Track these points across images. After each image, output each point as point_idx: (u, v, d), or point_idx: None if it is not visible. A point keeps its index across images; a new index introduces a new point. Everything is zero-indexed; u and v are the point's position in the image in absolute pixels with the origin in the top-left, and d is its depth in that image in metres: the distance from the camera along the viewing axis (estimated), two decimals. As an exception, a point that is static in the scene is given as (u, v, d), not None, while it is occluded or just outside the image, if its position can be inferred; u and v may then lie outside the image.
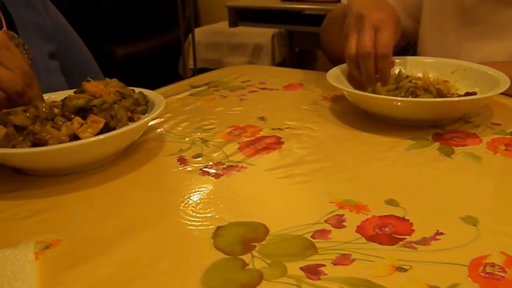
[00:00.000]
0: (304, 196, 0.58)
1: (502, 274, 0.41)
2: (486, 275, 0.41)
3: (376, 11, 0.80)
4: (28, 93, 0.67)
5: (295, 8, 2.60)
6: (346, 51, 0.80)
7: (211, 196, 0.57)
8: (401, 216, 0.51)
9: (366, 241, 0.47)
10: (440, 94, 0.75)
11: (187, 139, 0.74)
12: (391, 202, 0.53)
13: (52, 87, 0.70)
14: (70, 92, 0.71)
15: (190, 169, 0.64)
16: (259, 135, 0.74)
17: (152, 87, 0.80)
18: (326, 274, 0.42)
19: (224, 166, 0.64)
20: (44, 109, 0.64)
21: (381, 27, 0.78)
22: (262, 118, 0.80)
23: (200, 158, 0.67)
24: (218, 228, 0.50)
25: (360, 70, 0.81)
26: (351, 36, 0.80)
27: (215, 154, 0.68)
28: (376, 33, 0.78)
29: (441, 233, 0.47)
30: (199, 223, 0.51)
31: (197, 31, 3.34)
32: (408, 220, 0.50)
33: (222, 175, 0.62)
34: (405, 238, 0.47)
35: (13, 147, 0.61)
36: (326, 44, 1.09)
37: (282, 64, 3.24)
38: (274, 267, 0.44)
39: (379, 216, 0.51)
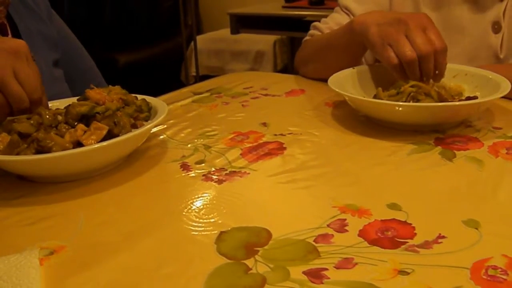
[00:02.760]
0: (307, 201, 0.58)
1: (504, 277, 0.42)
2: (488, 278, 0.41)
3: (410, 14, 0.79)
4: (33, 110, 0.67)
5: (297, 14, 2.61)
6: (404, 56, 0.76)
7: (214, 202, 0.57)
8: (403, 220, 0.51)
9: (369, 245, 0.47)
10: (441, 98, 0.75)
11: (189, 145, 0.74)
12: (393, 206, 0.54)
13: (56, 95, 0.71)
14: (74, 99, 0.72)
15: (193, 175, 0.64)
16: (261, 141, 0.74)
17: (155, 95, 0.81)
18: (329, 278, 0.43)
19: (227, 172, 0.65)
20: (47, 116, 0.65)
21: (427, 25, 0.77)
22: (264, 124, 0.81)
23: (203, 164, 0.67)
24: (221, 233, 0.50)
25: (412, 73, 0.78)
26: (402, 41, 0.76)
27: (218, 160, 0.68)
28: (425, 32, 0.77)
29: (443, 237, 0.48)
30: (202, 229, 0.52)
31: (199, 38, 3.35)
32: (410, 224, 0.50)
33: (224, 180, 0.62)
34: (407, 242, 0.47)
35: (17, 154, 0.61)
36: (320, 70, 1.01)
37: (284, 70, 3.24)
38: (277, 271, 0.44)
39: (381, 220, 0.51)
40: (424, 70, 0.77)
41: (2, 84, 0.63)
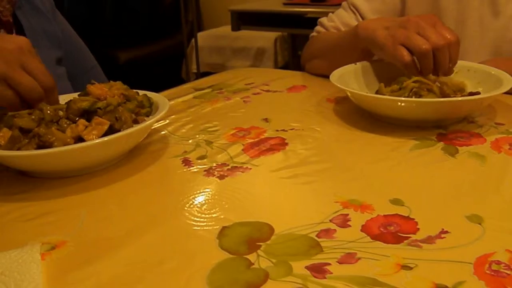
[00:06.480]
0: (309, 196, 0.58)
1: (508, 272, 0.41)
2: (492, 273, 0.41)
3: (417, 15, 0.79)
4: (49, 99, 0.67)
5: (297, 11, 2.60)
6: (419, 49, 0.74)
7: (216, 197, 0.57)
8: (406, 215, 0.51)
9: (371, 240, 0.47)
10: (443, 94, 0.75)
11: (191, 141, 0.74)
12: (396, 202, 0.53)
13: (58, 93, 0.71)
14: (75, 95, 0.72)
15: (194, 170, 0.64)
16: (263, 137, 0.74)
17: (156, 92, 0.80)
18: (331, 273, 0.42)
19: (229, 167, 0.64)
20: (49, 111, 0.65)
21: (436, 22, 0.77)
22: (266, 120, 0.80)
23: (204, 160, 0.67)
24: (223, 228, 0.50)
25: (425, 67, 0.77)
26: (415, 36, 0.75)
27: (220, 155, 0.68)
28: (435, 28, 0.76)
29: (446, 232, 0.47)
30: (204, 224, 0.51)
31: (200, 35, 3.34)
32: (413, 219, 0.50)
33: (226, 176, 0.62)
34: (410, 237, 0.47)
35: (19, 149, 0.61)
36: (326, 68, 0.95)
37: (284, 67, 3.24)
38: (279, 266, 0.44)
39: (384, 215, 0.51)
40: (438, 62, 0.76)
41: (11, 78, 0.63)
